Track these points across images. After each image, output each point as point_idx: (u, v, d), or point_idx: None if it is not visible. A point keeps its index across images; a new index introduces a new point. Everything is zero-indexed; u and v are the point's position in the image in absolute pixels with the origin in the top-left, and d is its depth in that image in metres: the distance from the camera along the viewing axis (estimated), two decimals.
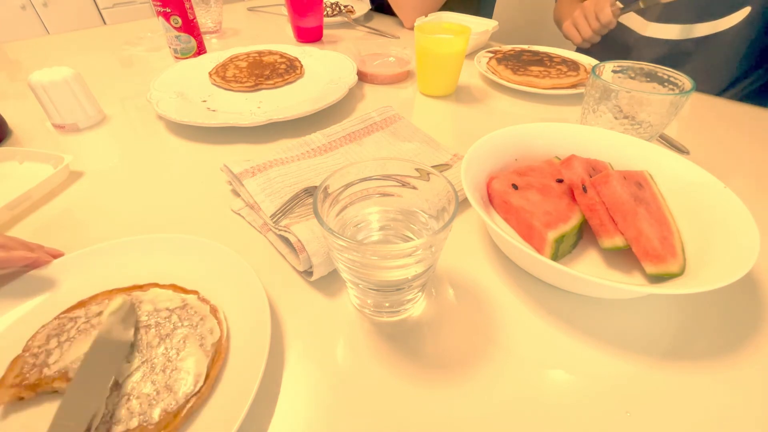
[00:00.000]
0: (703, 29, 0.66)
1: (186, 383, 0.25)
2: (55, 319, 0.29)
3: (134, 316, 0.29)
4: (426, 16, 0.85)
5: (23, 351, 0.27)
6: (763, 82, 0.69)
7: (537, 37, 1.06)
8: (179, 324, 0.28)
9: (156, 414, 0.24)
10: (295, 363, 0.29)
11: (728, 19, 0.64)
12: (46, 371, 0.26)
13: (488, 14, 1.14)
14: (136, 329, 0.28)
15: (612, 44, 0.78)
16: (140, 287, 0.31)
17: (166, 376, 0.25)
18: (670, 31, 0.69)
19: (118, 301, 0.29)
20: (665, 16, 0.69)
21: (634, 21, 0.73)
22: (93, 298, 0.31)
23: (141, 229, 0.40)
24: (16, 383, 0.25)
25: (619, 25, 0.76)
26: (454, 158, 0.47)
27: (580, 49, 0.91)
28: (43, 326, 0.28)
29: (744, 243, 0.29)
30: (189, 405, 0.24)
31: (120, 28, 1.00)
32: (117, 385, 0.25)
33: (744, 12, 0.65)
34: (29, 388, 0.25)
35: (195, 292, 0.31)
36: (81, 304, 0.30)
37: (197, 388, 0.25)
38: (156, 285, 0.31)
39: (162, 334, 0.28)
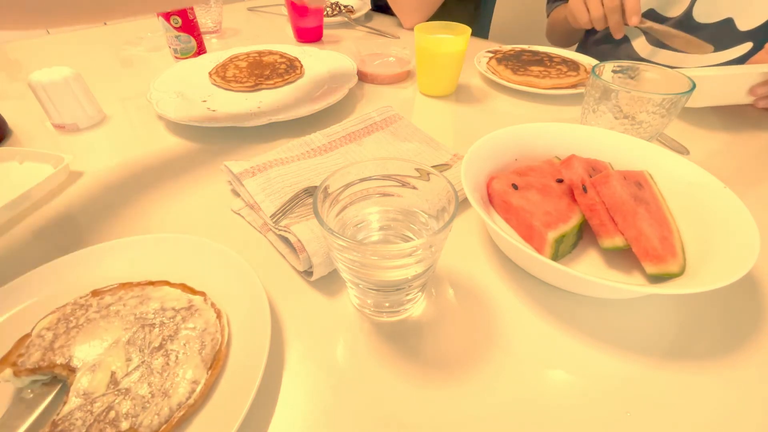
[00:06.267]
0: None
1: (180, 391, 0.25)
2: (68, 304, 0.29)
3: None
4: (427, 18, 0.84)
5: (31, 330, 0.27)
6: None
7: (537, 37, 1.06)
8: (182, 326, 0.28)
9: (147, 418, 0.23)
10: (295, 363, 0.29)
11: (726, 53, 0.63)
12: (50, 355, 0.26)
13: (488, 14, 1.13)
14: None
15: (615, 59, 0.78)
16: (152, 283, 0.31)
17: (163, 380, 0.25)
18: (666, 58, 0.68)
19: None
20: (662, 42, 0.67)
21: (638, 42, 0.72)
22: (107, 289, 0.31)
23: (141, 230, 0.40)
24: (17, 361, 0.26)
25: (627, 45, 0.75)
26: (454, 158, 0.47)
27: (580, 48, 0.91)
28: (56, 308, 0.29)
29: (744, 243, 0.29)
30: (180, 414, 0.24)
31: (120, 28, 0.99)
32: (115, 383, 0.25)
33: (745, 47, 0.64)
34: (30, 370, 0.25)
35: (203, 294, 0.31)
36: (95, 293, 0.30)
37: (192, 399, 0.25)
38: (167, 283, 0.31)
39: (165, 334, 0.28)
